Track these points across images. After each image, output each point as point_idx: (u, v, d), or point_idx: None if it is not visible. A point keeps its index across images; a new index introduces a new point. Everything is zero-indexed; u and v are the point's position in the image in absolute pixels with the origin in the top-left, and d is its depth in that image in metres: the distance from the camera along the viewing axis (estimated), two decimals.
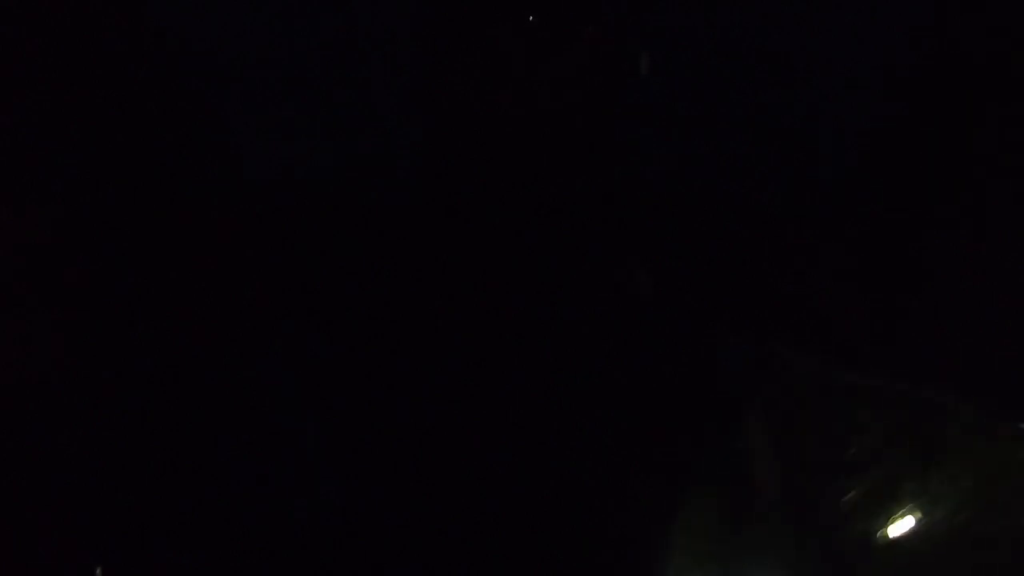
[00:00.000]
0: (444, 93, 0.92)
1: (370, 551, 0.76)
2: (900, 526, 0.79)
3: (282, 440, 0.86)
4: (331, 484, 0.82)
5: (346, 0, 1.10)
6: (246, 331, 0.79)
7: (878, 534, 0.81)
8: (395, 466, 0.76)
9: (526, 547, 0.73)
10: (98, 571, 0.82)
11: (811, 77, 1.22)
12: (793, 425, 0.80)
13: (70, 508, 0.86)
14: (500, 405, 0.74)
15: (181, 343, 0.79)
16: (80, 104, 0.95)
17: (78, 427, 0.86)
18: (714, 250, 0.83)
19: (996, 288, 0.70)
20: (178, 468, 0.86)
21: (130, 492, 0.85)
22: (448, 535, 0.74)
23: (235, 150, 1.00)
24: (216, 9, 1.10)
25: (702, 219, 0.87)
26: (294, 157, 0.97)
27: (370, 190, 0.89)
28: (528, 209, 0.86)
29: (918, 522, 0.78)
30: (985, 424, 0.74)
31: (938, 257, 0.74)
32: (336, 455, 0.81)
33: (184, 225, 0.85)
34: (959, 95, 1.19)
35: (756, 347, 0.86)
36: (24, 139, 0.82)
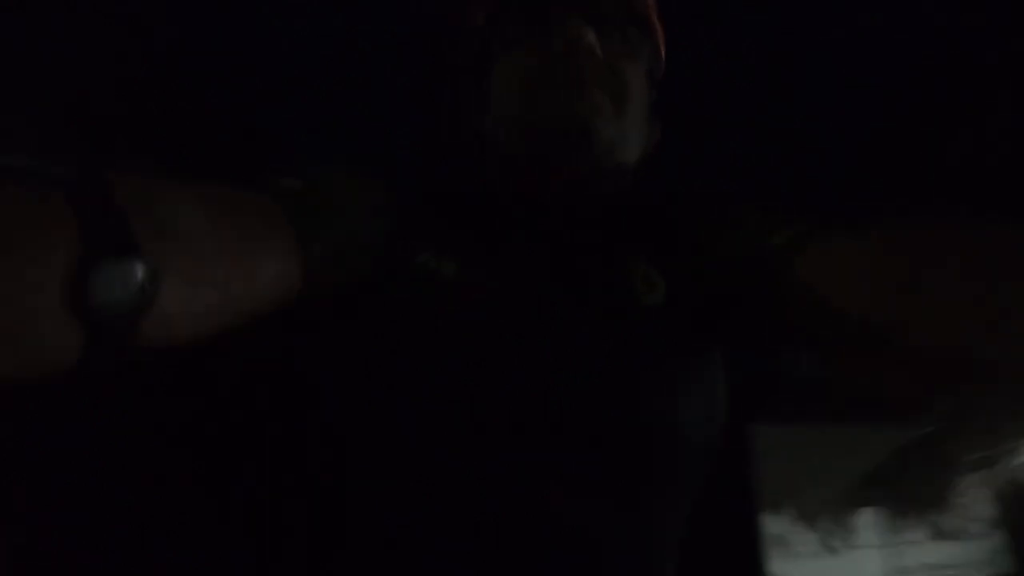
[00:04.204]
0: (444, 94, 0.92)
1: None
2: None
3: (278, 438, 0.86)
4: (328, 482, 0.82)
5: (347, 2, 1.11)
6: (245, 331, 0.79)
7: None
8: (391, 465, 0.76)
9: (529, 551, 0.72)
10: None
11: (812, 78, 1.22)
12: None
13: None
14: (501, 407, 0.73)
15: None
16: (82, 103, 0.95)
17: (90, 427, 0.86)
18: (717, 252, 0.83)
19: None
20: (181, 469, 0.86)
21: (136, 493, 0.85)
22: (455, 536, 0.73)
23: (235, 151, 1.00)
24: (218, 10, 1.10)
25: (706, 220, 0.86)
26: (294, 157, 0.97)
27: (409, 190, 0.88)
28: (529, 209, 0.85)
29: None
30: None
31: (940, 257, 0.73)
32: (330, 452, 0.81)
33: None
34: (961, 95, 1.19)
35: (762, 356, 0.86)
36: (28, 138, 0.82)
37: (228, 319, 0.64)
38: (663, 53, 0.91)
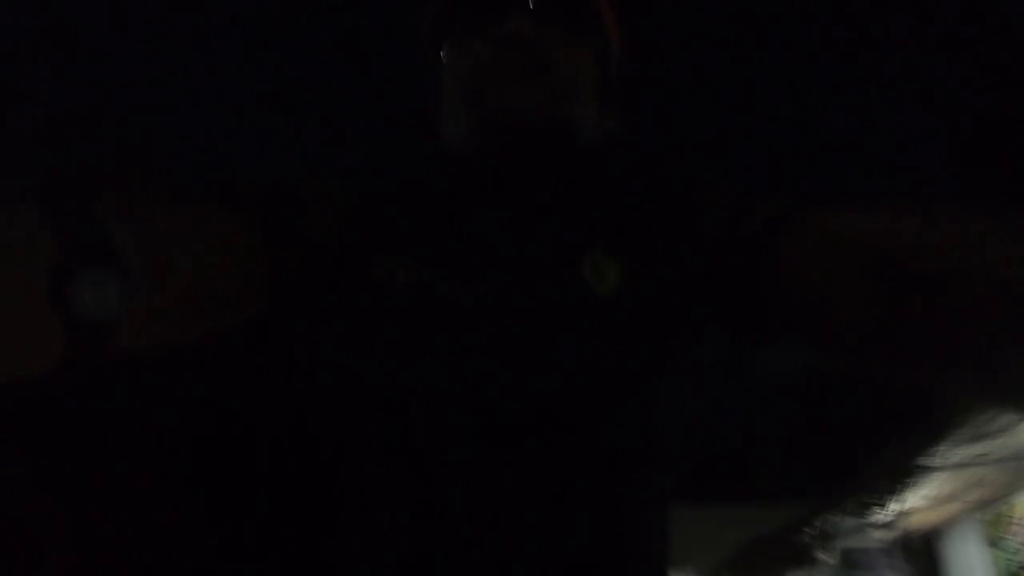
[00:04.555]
0: (440, 97, 0.92)
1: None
2: None
3: (273, 445, 0.87)
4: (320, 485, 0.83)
5: (346, 7, 1.10)
6: (241, 335, 0.79)
7: None
8: (387, 462, 0.76)
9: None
10: None
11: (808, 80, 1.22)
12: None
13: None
14: (496, 404, 0.74)
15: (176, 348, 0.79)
16: (80, 106, 0.95)
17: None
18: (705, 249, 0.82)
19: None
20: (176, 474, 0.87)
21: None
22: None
23: (232, 155, 1.00)
24: (217, 16, 1.10)
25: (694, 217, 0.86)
26: (292, 162, 0.97)
27: (364, 195, 0.89)
28: (480, 204, 0.85)
29: None
30: None
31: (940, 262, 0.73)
32: (324, 453, 0.82)
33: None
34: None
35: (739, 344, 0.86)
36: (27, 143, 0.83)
37: (200, 324, 0.66)
38: (614, 35, 0.91)
